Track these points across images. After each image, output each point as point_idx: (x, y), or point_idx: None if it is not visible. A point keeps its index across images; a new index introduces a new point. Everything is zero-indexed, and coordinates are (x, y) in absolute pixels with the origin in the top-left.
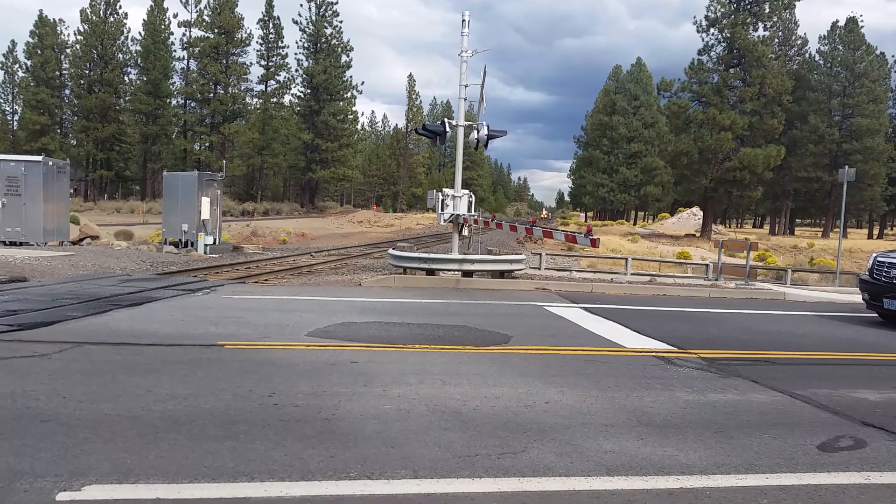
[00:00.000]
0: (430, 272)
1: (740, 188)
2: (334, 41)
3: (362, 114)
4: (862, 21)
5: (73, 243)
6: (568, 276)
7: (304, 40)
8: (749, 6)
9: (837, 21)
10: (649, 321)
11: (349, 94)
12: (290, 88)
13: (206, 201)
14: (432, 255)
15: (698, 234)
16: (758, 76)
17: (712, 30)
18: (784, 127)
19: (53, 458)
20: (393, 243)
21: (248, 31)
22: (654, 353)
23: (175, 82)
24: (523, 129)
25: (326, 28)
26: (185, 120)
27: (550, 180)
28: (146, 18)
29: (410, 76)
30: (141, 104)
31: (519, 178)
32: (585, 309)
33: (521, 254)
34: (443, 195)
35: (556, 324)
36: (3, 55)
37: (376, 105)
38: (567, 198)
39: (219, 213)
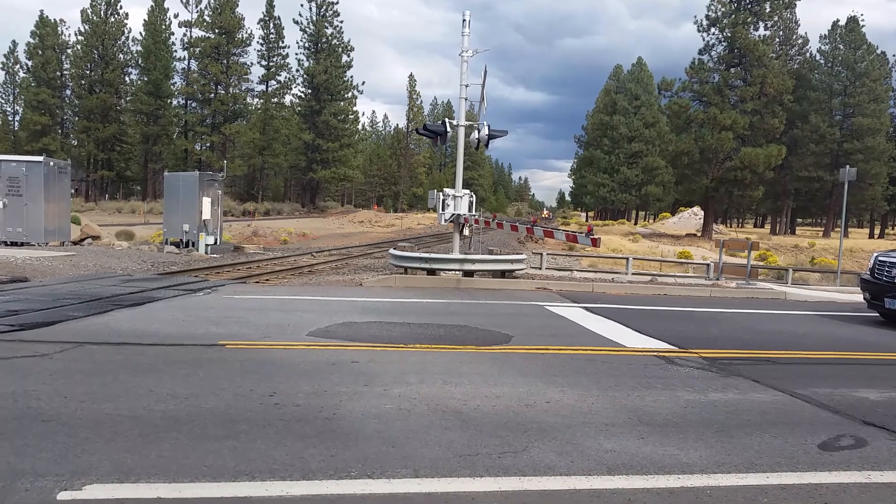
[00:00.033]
0: (431, 272)
1: (741, 188)
2: (335, 41)
3: (363, 114)
4: (863, 20)
5: (75, 243)
6: (569, 276)
7: (304, 40)
8: (750, 6)
9: (838, 20)
10: (650, 321)
11: (350, 94)
12: (291, 88)
13: (207, 201)
14: (433, 255)
15: (699, 234)
16: (759, 76)
17: (713, 29)
18: (785, 126)
19: (54, 457)
20: (394, 243)
21: (249, 32)
22: (655, 353)
23: (176, 82)
24: (524, 128)
25: (327, 28)
26: (185, 120)
27: (551, 180)
28: (147, 19)
29: (411, 76)
30: (142, 104)
31: (520, 178)
32: (586, 308)
33: (521, 254)
34: (444, 195)
35: (557, 323)
36: (4, 56)
37: (377, 105)
38: (568, 197)
39: (220, 214)
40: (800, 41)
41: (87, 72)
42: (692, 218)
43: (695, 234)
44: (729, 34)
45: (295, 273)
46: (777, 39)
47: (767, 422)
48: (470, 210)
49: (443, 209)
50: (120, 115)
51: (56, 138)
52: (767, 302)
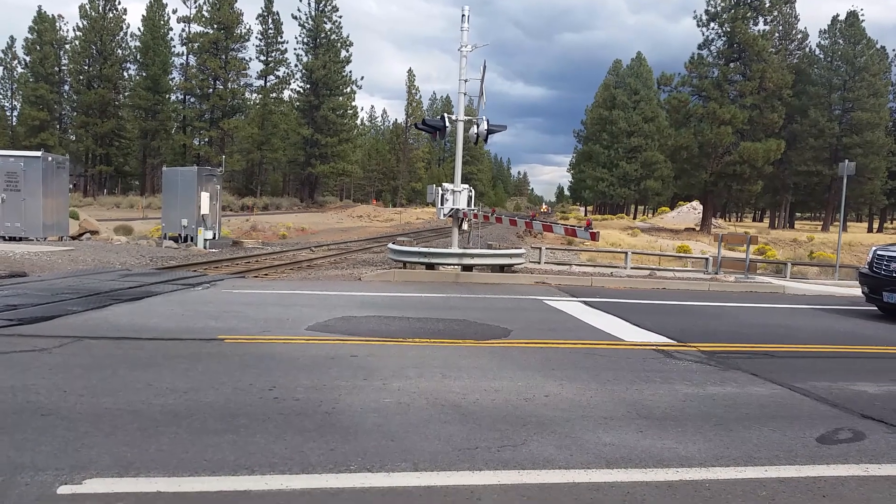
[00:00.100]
0: (430, 266)
1: (740, 182)
2: (334, 36)
3: (362, 109)
4: (862, 15)
5: (73, 238)
6: (568, 270)
7: (303, 35)
8: (749, 1)
9: (838, 15)
10: (649, 315)
11: (349, 89)
12: (290, 83)
13: (205, 196)
14: (432, 250)
15: (698, 228)
16: (758, 70)
17: (712, 24)
18: (784, 121)
19: (54, 451)
20: (392, 238)
21: (248, 27)
22: (653, 347)
23: (174, 78)
24: (523, 123)
25: (326, 23)
26: (184, 115)
27: (550, 175)
28: (145, 14)
29: (410, 71)
30: (140, 100)
31: (519, 173)
32: (585, 303)
33: (520, 248)
34: (442, 190)
35: (556, 317)
36: (2, 51)
37: (376, 100)
38: (567, 192)
39: (218, 208)
40: (799, 36)
41: (86, 67)
42: (691, 212)
43: (694, 229)
44: (728, 29)
45: (294, 267)
46: (776, 34)
47: (766, 415)
48: (469, 204)
49: (442, 204)
50: (118, 111)
51: (54, 133)
52: (766, 296)
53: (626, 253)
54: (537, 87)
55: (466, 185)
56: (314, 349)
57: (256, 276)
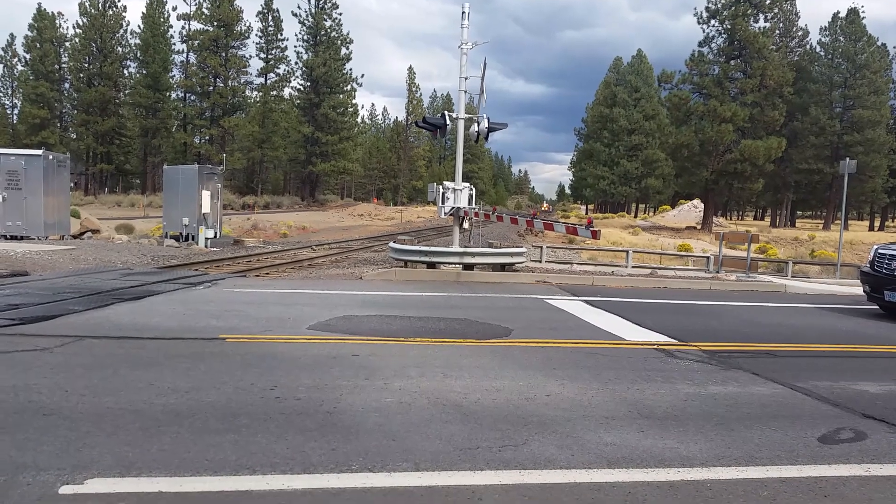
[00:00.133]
0: (431, 265)
1: (741, 180)
2: (334, 34)
3: (362, 107)
4: (863, 12)
5: (74, 237)
6: (569, 269)
7: (303, 33)
8: None
9: (838, 12)
10: (650, 314)
11: (349, 87)
12: (290, 81)
13: (206, 195)
14: (433, 249)
15: (699, 227)
16: (759, 68)
17: (713, 21)
18: (785, 119)
19: (56, 451)
20: (394, 236)
21: (248, 24)
22: (654, 346)
23: (174, 75)
24: (524, 121)
25: (326, 20)
26: (184, 113)
27: (551, 173)
28: (145, 11)
29: (410, 69)
30: (140, 97)
31: (519, 171)
32: (586, 302)
33: (521, 247)
34: (443, 188)
35: (557, 317)
36: (3, 49)
37: (376, 98)
38: (568, 190)
39: (219, 207)
40: (800, 33)
41: (86, 65)
42: (692, 210)
43: (695, 227)
44: (729, 26)
45: (295, 266)
46: (777, 31)
47: (767, 415)
48: (470, 203)
49: (442, 202)
50: (119, 109)
51: (55, 132)
52: (767, 295)
53: (627, 252)
54: (538, 85)
55: (467, 184)
56: (316, 348)
57: (258, 275)
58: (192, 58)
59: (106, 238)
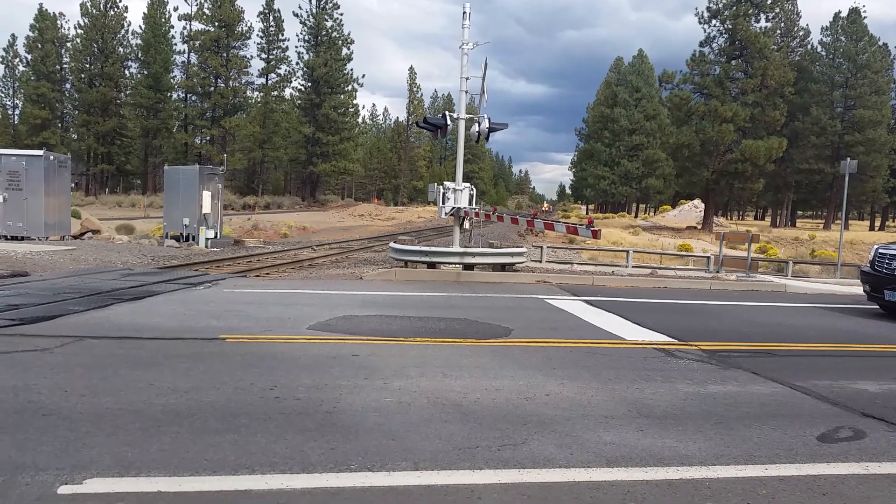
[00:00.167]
0: (432, 265)
1: (742, 180)
2: (335, 34)
3: (363, 107)
4: (864, 12)
5: (75, 237)
6: (569, 269)
7: (304, 33)
8: None
9: (840, 12)
10: (650, 313)
11: (350, 88)
12: (291, 82)
13: (207, 195)
14: (433, 249)
15: (700, 227)
16: (760, 68)
17: (714, 21)
18: (786, 119)
19: (55, 451)
20: (394, 236)
21: (249, 25)
22: (654, 346)
23: (176, 76)
24: (524, 121)
25: (327, 21)
26: (185, 114)
27: (552, 173)
28: (146, 12)
29: (411, 69)
30: (142, 98)
31: (520, 171)
32: (586, 301)
33: (522, 247)
34: (444, 188)
35: (557, 316)
36: (4, 49)
37: (377, 98)
38: (568, 190)
39: (220, 207)
40: (801, 33)
41: (87, 65)
42: (693, 210)
43: (695, 227)
44: (730, 26)
45: (295, 267)
46: (778, 31)
47: (767, 414)
48: (470, 203)
49: (443, 202)
50: (120, 109)
51: (56, 132)
52: (767, 294)
53: (627, 251)
54: (539, 85)
55: (468, 184)
56: (315, 348)
57: (258, 276)
58: (194, 58)
59: (106, 238)
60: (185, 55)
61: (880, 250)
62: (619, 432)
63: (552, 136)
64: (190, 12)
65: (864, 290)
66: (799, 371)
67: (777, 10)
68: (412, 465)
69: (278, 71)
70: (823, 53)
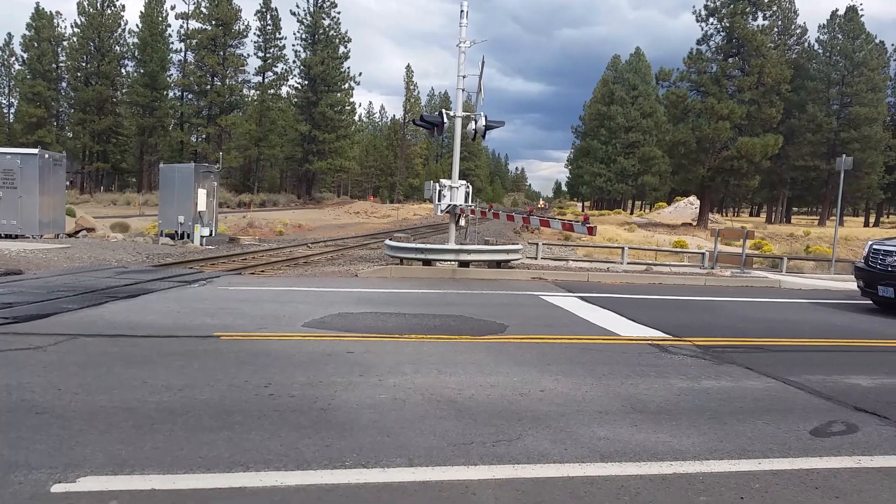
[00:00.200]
0: (427, 262)
1: (738, 177)
2: (332, 32)
3: (360, 105)
4: (862, 10)
5: (69, 235)
6: (564, 266)
7: (301, 31)
8: None
9: (837, 10)
10: (645, 310)
11: (347, 86)
12: (288, 80)
13: (202, 193)
14: (429, 246)
15: (695, 223)
16: (756, 65)
17: (711, 19)
18: (782, 116)
19: (48, 449)
20: (390, 234)
21: (246, 23)
22: (649, 341)
23: (172, 74)
24: (521, 119)
25: (324, 19)
26: (181, 112)
27: (548, 170)
28: (143, 11)
29: (408, 67)
30: (138, 96)
31: (516, 169)
32: (581, 298)
33: (517, 244)
34: (440, 186)
35: (552, 313)
36: (0, 48)
37: (374, 96)
38: (564, 188)
39: (215, 205)
40: (798, 31)
41: (83, 64)
42: (688, 207)
43: (690, 224)
44: (727, 24)
45: (290, 264)
46: (775, 29)
47: (760, 409)
48: (466, 200)
49: (439, 200)
50: (116, 107)
51: (51, 130)
52: (762, 290)
53: (622, 248)
54: (536, 83)
55: (464, 181)
56: (310, 346)
57: (253, 273)
58: (190, 56)
59: (101, 236)
60: (182, 53)
61: (874, 246)
62: (614, 427)
63: (549, 133)
64: (187, 11)
65: (858, 286)
66: (792, 366)
67: (774, 8)
68: (407, 462)
69: (275, 69)
70: (820, 51)
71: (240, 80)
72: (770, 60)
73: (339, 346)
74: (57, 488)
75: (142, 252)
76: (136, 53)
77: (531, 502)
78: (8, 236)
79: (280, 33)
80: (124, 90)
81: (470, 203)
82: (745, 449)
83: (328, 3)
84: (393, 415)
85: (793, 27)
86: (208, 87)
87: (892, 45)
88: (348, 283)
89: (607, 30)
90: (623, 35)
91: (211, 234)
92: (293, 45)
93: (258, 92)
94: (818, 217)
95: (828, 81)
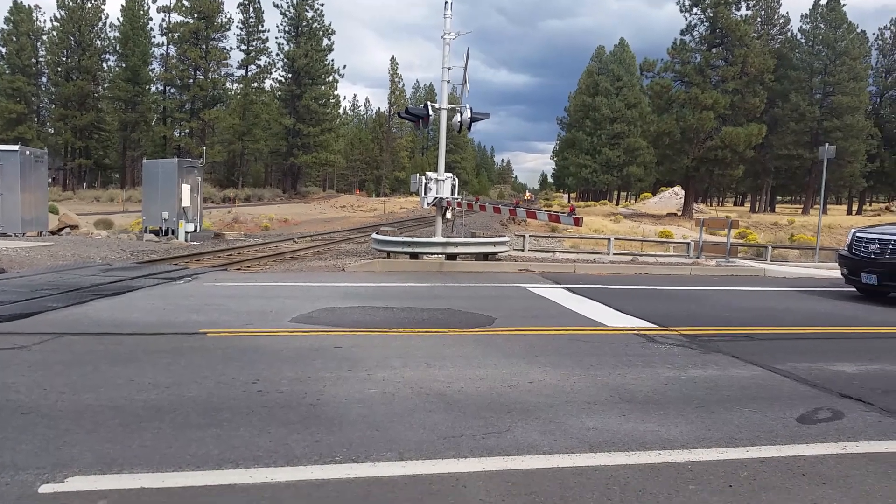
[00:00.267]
0: (414, 256)
1: (722, 167)
2: (315, 24)
3: (344, 98)
4: None
5: (52, 233)
6: (551, 258)
7: (284, 24)
8: None
9: None
10: (631, 300)
11: (331, 78)
12: (271, 73)
13: (186, 188)
14: (416, 239)
15: (680, 213)
16: (740, 55)
17: (695, 9)
18: (765, 105)
19: (35, 450)
20: (376, 228)
21: (228, 16)
22: (635, 331)
23: (154, 68)
24: (506, 111)
25: (307, 11)
26: (164, 106)
27: (534, 162)
28: (124, 4)
29: (393, 59)
30: (120, 91)
31: (502, 161)
32: (568, 289)
33: (504, 236)
34: (426, 179)
35: (540, 304)
36: None
37: (358, 89)
38: (550, 179)
39: (199, 200)
40: (781, 21)
41: (64, 59)
42: (673, 197)
43: (676, 214)
44: (711, 14)
45: (277, 259)
46: (758, 19)
47: (747, 397)
48: (452, 193)
49: (425, 193)
50: (97, 103)
51: (32, 126)
52: (747, 279)
53: (608, 239)
54: (521, 75)
55: (450, 174)
56: (298, 341)
57: (239, 269)
58: (172, 50)
59: (85, 234)
60: (164, 47)
61: (857, 234)
62: (602, 418)
63: (534, 125)
64: (169, 4)
65: (842, 274)
66: (778, 354)
67: None
68: (397, 456)
69: (258, 62)
70: (803, 41)
71: (223, 73)
72: (753, 50)
73: (327, 340)
74: (45, 489)
75: (126, 249)
76: (118, 48)
77: (522, 494)
78: None
79: (263, 26)
80: (106, 85)
81: (456, 196)
82: (732, 437)
83: None
84: (382, 409)
85: (775, 17)
86: (191, 81)
87: (874, 34)
88: (335, 277)
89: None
90: (607, 26)
91: (196, 230)
92: (276, 38)
93: (241, 85)
94: (802, 206)
95: (810, 71)
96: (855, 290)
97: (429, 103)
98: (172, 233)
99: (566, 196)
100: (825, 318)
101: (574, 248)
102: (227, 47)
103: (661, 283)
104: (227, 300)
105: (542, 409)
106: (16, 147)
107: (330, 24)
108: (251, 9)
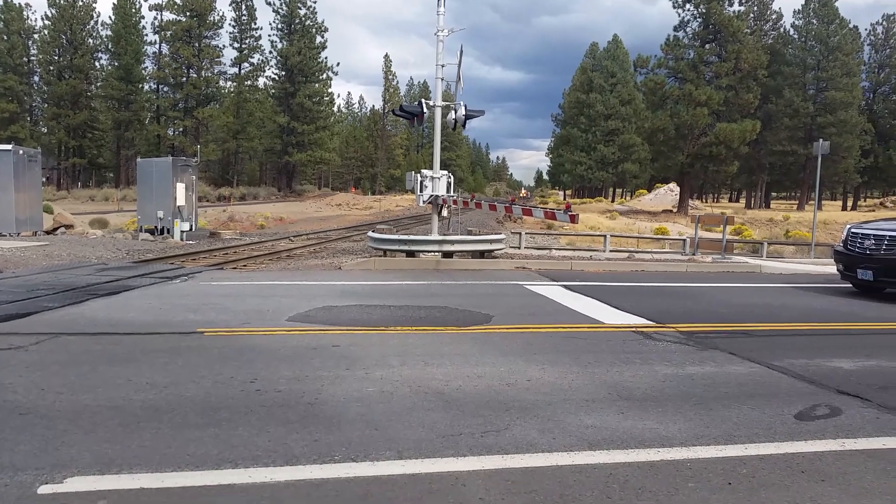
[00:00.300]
0: (411, 254)
1: (716, 163)
2: (308, 22)
3: (338, 95)
4: None
5: (47, 233)
6: (547, 255)
7: (277, 21)
8: None
9: None
10: (628, 297)
11: (325, 76)
12: (265, 71)
13: (181, 187)
14: (412, 237)
15: (675, 210)
16: (733, 51)
17: (688, 5)
18: (759, 101)
19: (33, 450)
20: (372, 226)
21: (221, 14)
22: (632, 329)
23: (147, 67)
24: (501, 108)
25: (300, 8)
26: (158, 105)
27: (529, 159)
28: (116, 2)
29: (387, 56)
30: (113, 90)
31: (497, 158)
32: (565, 286)
33: (500, 233)
34: (421, 176)
35: (537, 302)
36: None
37: (352, 86)
38: (546, 176)
39: (194, 199)
40: (774, 16)
41: (56, 57)
42: (668, 194)
43: (671, 210)
44: (704, 10)
45: (273, 258)
46: (751, 15)
47: (745, 394)
48: (448, 191)
49: (421, 190)
50: (91, 102)
51: (25, 126)
52: (743, 275)
53: (604, 236)
54: (515, 72)
55: (445, 172)
56: (295, 340)
57: (235, 268)
58: (165, 49)
59: (80, 233)
60: (157, 46)
61: (853, 230)
62: (600, 415)
63: (529, 122)
64: (160, 2)
65: (838, 270)
66: (775, 350)
67: None
68: (396, 455)
69: (251, 60)
70: (796, 36)
71: (216, 71)
72: (746, 46)
73: (325, 339)
74: (44, 489)
75: (122, 248)
76: (110, 46)
77: (521, 492)
78: None
79: (256, 24)
80: (99, 84)
81: (452, 193)
82: (731, 434)
83: None
84: (381, 408)
85: (768, 12)
86: (184, 79)
87: (866, 29)
88: (332, 276)
89: (585, 17)
90: (601, 22)
91: (191, 229)
92: (269, 36)
93: (235, 83)
94: (797, 202)
95: (804, 66)
96: (851, 285)
97: (423, 101)
98: (168, 232)
99: (562, 193)
100: (821, 315)
101: (570, 245)
102: (220, 45)
103: (657, 280)
104: (224, 299)
105: (541, 407)
106: (9, 146)
107: (323, 22)
108: (243, 6)
